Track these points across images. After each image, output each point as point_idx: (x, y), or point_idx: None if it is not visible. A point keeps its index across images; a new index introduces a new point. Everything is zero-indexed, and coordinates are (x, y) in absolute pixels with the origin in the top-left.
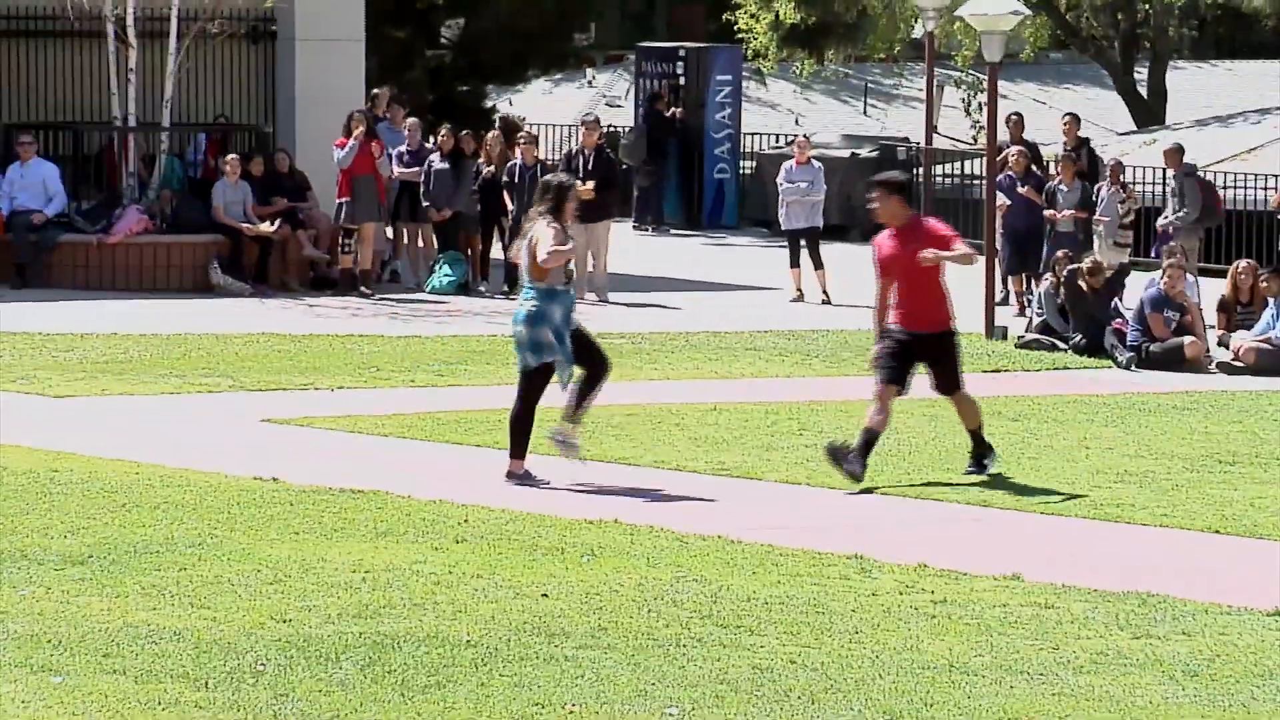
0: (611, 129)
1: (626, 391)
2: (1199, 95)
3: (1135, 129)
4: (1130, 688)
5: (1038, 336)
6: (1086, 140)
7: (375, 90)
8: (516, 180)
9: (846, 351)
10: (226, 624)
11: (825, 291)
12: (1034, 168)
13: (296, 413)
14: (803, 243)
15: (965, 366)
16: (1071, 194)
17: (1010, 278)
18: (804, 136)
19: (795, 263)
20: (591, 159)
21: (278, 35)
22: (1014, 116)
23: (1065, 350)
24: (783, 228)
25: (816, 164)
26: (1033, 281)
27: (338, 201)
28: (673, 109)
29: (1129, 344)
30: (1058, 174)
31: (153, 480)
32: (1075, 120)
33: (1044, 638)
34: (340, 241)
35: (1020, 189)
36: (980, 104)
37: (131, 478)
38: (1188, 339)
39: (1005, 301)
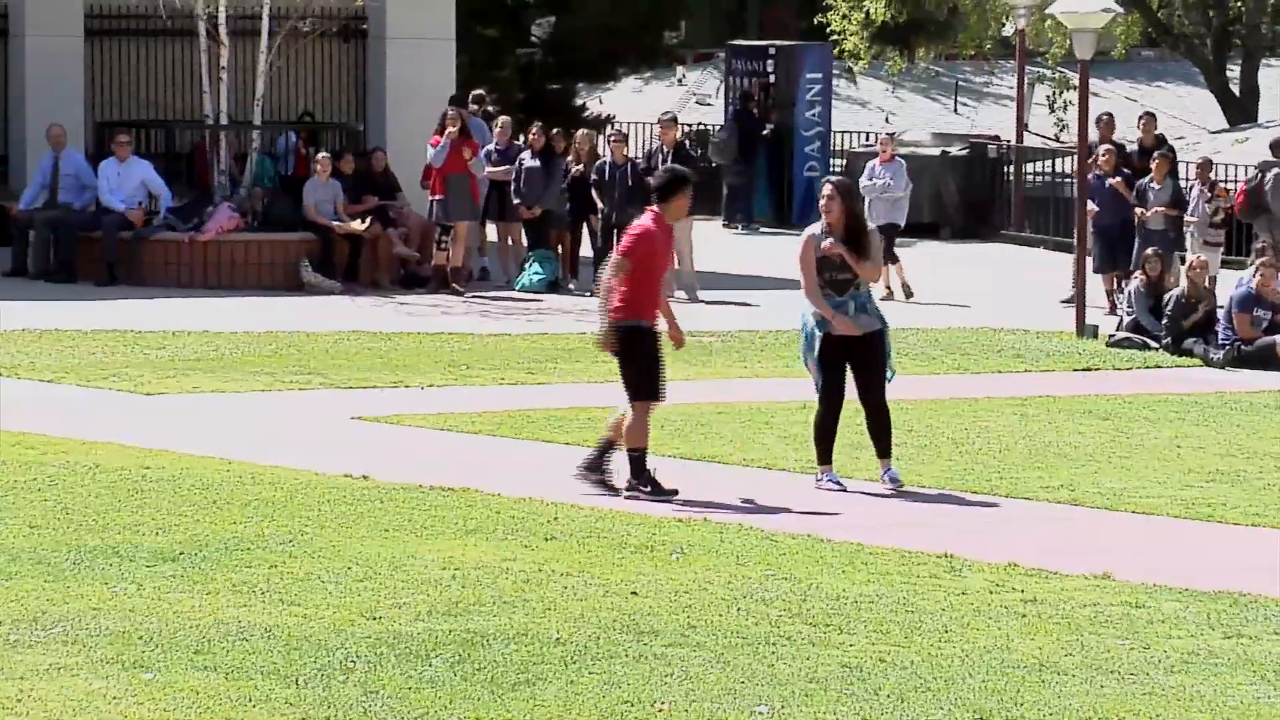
0: (702, 127)
1: (716, 389)
2: None
3: (1227, 127)
4: (1222, 688)
5: (1129, 335)
6: (1164, 138)
7: (476, 91)
8: (606, 178)
9: (936, 349)
10: (317, 621)
11: (905, 285)
12: (1124, 167)
13: (387, 410)
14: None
15: (1058, 365)
16: (1163, 192)
17: (1100, 276)
18: (887, 134)
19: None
20: (670, 157)
21: (369, 33)
22: (1104, 117)
23: (1156, 349)
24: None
25: (900, 161)
26: (1122, 280)
27: (430, 200)
28: (764, 108)
29: (1220, 342)
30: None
31: (243, 477)
32: (1152, 119)
33: (1134, 637)
34: (437, 239)
35: (1108, 183)
36: (1066, 102)
37: (222, 475)
38: None
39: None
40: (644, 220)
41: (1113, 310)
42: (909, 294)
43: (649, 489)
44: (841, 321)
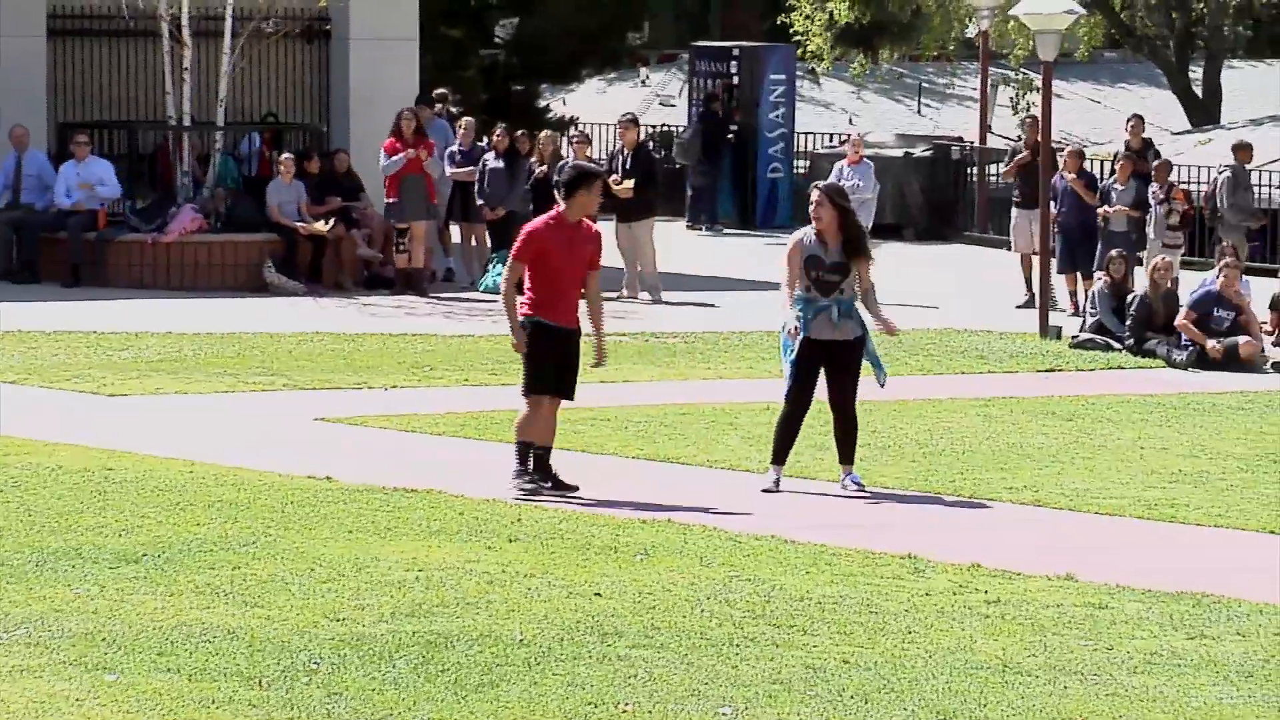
0: (665, 128)
1: (679, 390)
2: (1254, 94)
3: (1190, 128)
4: (1184, 688)
5: (1092, 336)
6: (1151, 141)
7: (439, 90)
8: None
9: (900, 350)
10: (280, 622)
11: None
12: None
13: (350, 411)
14: None
15: (1022, 366)
16: (1126, 193)
17: (1064, 277)
18: (857, 136)
19: None
20: (630, 158)
21: (332, 34)
22: (1029, 119)
23: (1119, 350)
24: None
25: (868, 163)
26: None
27: (386, 202)
28: (727, 109)
29: (1183, 344)
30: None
31: (206, 479)
32: (1140, 121)
33: (1098, 638)
34: (395, 241)
35: (1067, 183)
36: (1029, 103)
37: (185, 476)
38: (1243, 338)
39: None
40: (535, 220)
41: (1076, 311)
42: None
43: (530, 485)
44: (794, 330)
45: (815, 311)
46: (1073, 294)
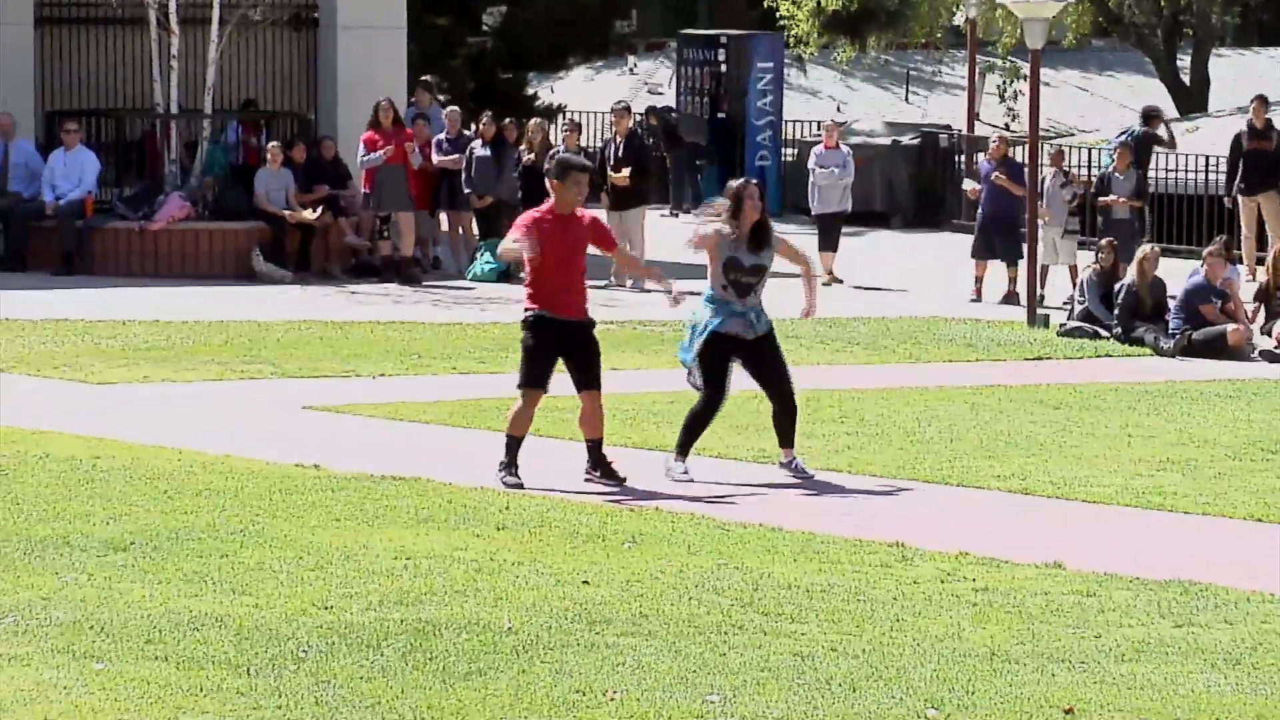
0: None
1: (668, 379)
2: (1242, 82)
3: (1178, 116)
4: (1172, 676)
5: (1080, 324)
6: (1271, 123)
7: (424, 78)
8: None
9: (887, 338)
10: (268, 610)
11: (830, 271)
12: (1009, 154)
13: (338, 400)
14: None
15: (1010, 354)
16: (1126, 182)
17: (975, 263)
18: (833, 121)
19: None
20: (623, 146)
21: (319, 22)
22: (1255, 101)
23: (1107, 338)
24: (815, 212)
25: (845, 148)
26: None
27: (362, 192)
28: (716, 96)
29: (1170, 331)
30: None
31: (194, 467)
32: (1264, 102)
33: (1085, 626)
34: (378, 229)
35: (994, 176)
36: (1016, 91)
37: (173, 464)
38: (1230, 326)
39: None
40: (530, 211)
41: (978, 297)
42: (833, 281)
43: (511, 476)
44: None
45: (733, 314)
46: (979, 279)
